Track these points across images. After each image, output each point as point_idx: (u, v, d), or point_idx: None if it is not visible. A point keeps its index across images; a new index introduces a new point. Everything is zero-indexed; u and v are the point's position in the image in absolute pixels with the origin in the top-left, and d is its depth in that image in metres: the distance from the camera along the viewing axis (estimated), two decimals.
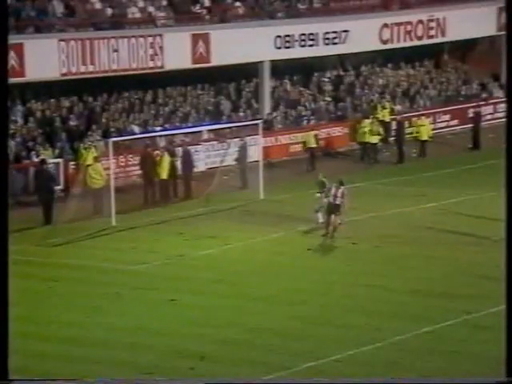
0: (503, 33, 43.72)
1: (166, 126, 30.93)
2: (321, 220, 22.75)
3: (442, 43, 39.29)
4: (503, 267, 9.02)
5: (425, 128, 32.84)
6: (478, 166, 30.77)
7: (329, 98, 35.34)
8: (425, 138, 32.51)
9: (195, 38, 31.79)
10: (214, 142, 30.88)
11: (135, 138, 29.10)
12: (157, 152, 27.53)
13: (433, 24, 37.35)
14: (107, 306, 18.05)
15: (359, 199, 26.68)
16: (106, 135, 28.55)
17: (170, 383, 13.35)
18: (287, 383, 12.91)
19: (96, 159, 26.20)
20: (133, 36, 30.54)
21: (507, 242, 9.11)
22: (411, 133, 33.40)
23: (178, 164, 27.66)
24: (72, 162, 28.00)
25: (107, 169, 25.31)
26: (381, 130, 32.15)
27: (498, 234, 22.11)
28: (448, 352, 15.29)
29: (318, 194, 22.98)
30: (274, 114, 33.75)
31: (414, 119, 34.02)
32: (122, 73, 30.33)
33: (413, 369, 14.69)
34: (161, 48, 30.83)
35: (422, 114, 34.65)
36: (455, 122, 36.26)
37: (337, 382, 13.22)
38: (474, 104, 36.09)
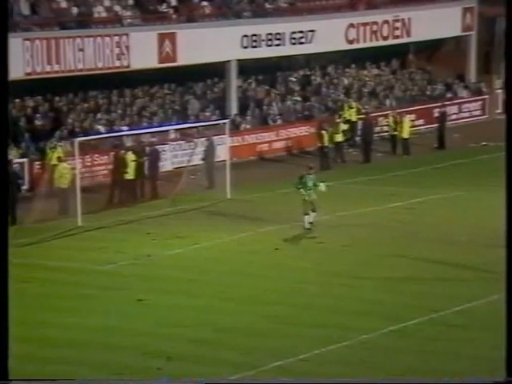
0: (468, 33, 44.22)
1: (133, 125, 30.80)
2: (307, 226, 22.57)
3: (408, 43, 39.56)
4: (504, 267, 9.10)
5: (406, 125, 33.01)
6: (444, 165, 31.02)
7: (296, 98, 35.43)
8: (406, 135, 32.65)
9: (162, 38, 31.70)
10: (181, 142, 30.83)
11: (101, 138, 28.96)
12: (123, 152, 27.41)
13: (398, 24, 37.59)
14: (76, 306, 17.94)
15: (328, 198, 26.79)
16: (71, 135, 28.37)
17: (170, 383, 13.33)
18: (287, 383, 12.91)
19: (61, 159, 26.03)
20: (99, 35, 30.37)
21: (507, 241, 9.12)
22: (381, 131, 33.68)
23: (145, 164, 27.56)
24: (37, 162, 27.80)
25: (73, 169, 25.16)
26: (344, 129, 32.27)
27: (465, 234, 22.35)
28: (415, 351, 15.37)
29: (302, 191, 22.80)
30: (242, 114, 33.76)
31: (386, 117, 34.28)
32: (88, 72, 30.15)
33: (381, 368, 14.75)
34: (127, 47, 30.69)
35: (389, 114, 34.86)
36: (421, 121, 36.52)
37: (337, 381, 13.24)
38: (440, 104, 36.37)
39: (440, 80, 39.34)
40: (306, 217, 22.55)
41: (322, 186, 22.74)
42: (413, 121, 35.17)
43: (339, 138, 31.75)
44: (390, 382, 12.59)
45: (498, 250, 21.09)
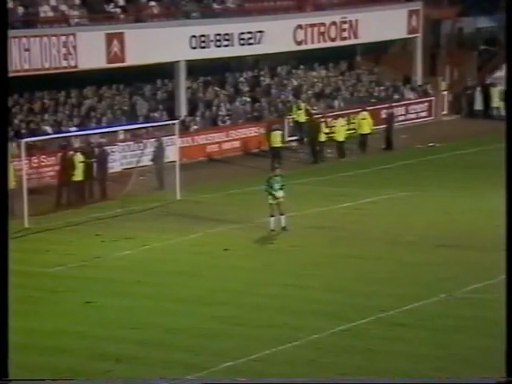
0: (414, 35, 44.68)
1: (81, 126, 30.55)
2: (272, 227, 22.46)
3: (355, 45, 39.88)
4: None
5: (341, 128, 33.27)
6: (392, 166, 31.34)
7: (246, 99, 35.49)
8: (341, 138, 32.91)
9: (109, 38, 31.50)
10: (130, 143, 30.67)
11: (49, 139, 28.67)
12: (71, 153, 27.17)
13: (346, 26, 37.87)
14: (23, 309, 17.72)
15: None
16: (18, 136, 28.03)
17: (170, 383, 13.26)
18: (287, 383, 12.91)
19: None
20: (45, 35, 30.06)
21: (507, 241, 9.21)
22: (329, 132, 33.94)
23: (94, 165, 27.36)
24: None
25: (19, 170, 24.86)
26: (284, 133, 32.48)
27: (413, 234, 22.60)
28: (364, 350, 15.50)
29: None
30: (191, 115, 33.71)
31: (330, 120, 34.49)
32: (34, 72, 29.83)
33: (330, 367, 14.85)
34: (74, 47, 30.43)
35: (337, 115, 35.12)
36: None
37: (337, 381, 13.27)
38: (387, 105, 36.72)
39: (387, 82, 39.74)
40: (272, 219, 22.35)
41: (280, 193, 22.42)
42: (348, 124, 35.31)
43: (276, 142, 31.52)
44: (390, 381, 12.66)
45: (445, 250, 21.51)
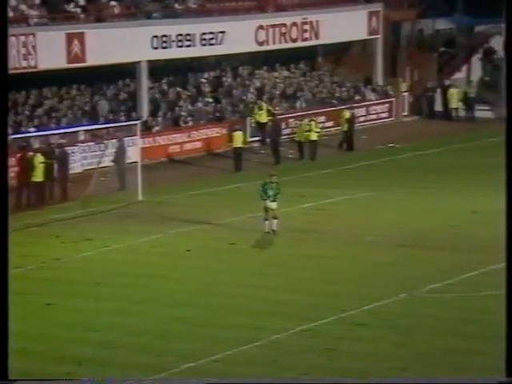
0: (374, 37, 44.93)
1: (41, 127, 30.31)
2: (267, 230, 22.26)
3: (317, 46, 40.05)
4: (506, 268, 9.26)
5: (303, 129, 33.35)
6: (353, 166, 31.53)
7: (208, 99, 35.47)
8: (314, 138, 32.97)
9: (70, 38, 31.30)
10: (91, 143, 30.50)
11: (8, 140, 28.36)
12: (31, 154, 26.95)
13: (307, 27, 38.02)
14: None
15: (239, 199, 26.92)
16: None
17: (170, 383, 13.15)
18: (288, 383, 12.88)
19: None
20: None
21: (507, 242, 9.27)
22: (291, 133, 34.05)
23: (54, 166, 27.16)
24: None
25: None
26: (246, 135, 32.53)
27: (374, 234, 22.75)
28: (325, 349, 15.57)
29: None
30: (153, 115, 33.60)
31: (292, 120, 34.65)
32: None
33: (292, 367, 14.90)
34: (34, 47, 30.18)
35: (299, 116, 35.26)
36: (330, 123, 37.01)
37: (337, 381, 13.28)
38: (348, 106, 36.92)
39: (348, 82, 39.96)
40: (266, 222, 22.15)
41: (274, 205, 22.06)
42: (322, 123, 35.57)
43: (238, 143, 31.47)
44: (390, 382, 12.68)
45: (405, 250, 21.69)
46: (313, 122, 33.24)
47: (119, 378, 14.16)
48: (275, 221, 22.17)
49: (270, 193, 22.10)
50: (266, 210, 22.16)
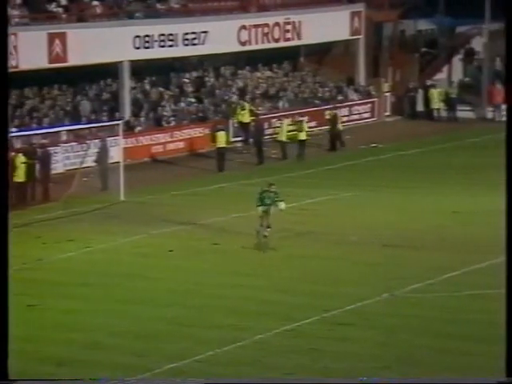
0: (356, 37, 44.97)
1: (23, 127, 30.18)
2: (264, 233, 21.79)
3: (299, 46, 40.09)
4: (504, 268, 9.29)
5: (284, 129, 33.39)
6: (336, 166, 31.58)
7: (190, 99, 35.44)
8: (283, 138, 33.04)
9: (51, 38, 31.18)
10: (74, 143, 30.40)
11: None
12: (13, 154, 26.82)
13: (289, 27, 38.05)
14: None
15: (222, 200, 26.91)
16: None
17: (170, 383, 13.11)
18: (288, 383, 12.85)
19: None
20: None
21: (507, 242, 9.30)
22: (274, 133, 34.08)
23: (36, 166, 27.06)
24: None
25: None
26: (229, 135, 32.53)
27: (357, 234, 22.81)
28: (308, 349, 15.59)
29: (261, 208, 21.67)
30: (136, 115, 33.54)
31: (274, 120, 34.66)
32: None
33: (275, 367, 14.91)
34: (15, 47, 30.03)
35: (281, 116, 35.30)
36: (313, 123, 37.06)
37: (337, 382, 13.26)
38: (331, 106, 36.99)
39: (331, 83, 40.03)
40: (261, 228, 21.76)
41: (282, 205, 21.73)
42: (305, 123, 35.55)
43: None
44: (390, 382, 12.69)
45: (387, 250, 21.75)
46: (302, 122, 33.31)
47: (112, 379, 14.14)
48: (268, 229, 21.69)
49: (268, 201, 21.74)
50: (261, 218, 21.74)
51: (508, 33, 9.05)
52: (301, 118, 33.85)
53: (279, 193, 21.94)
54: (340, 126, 34.48)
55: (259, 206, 21.75)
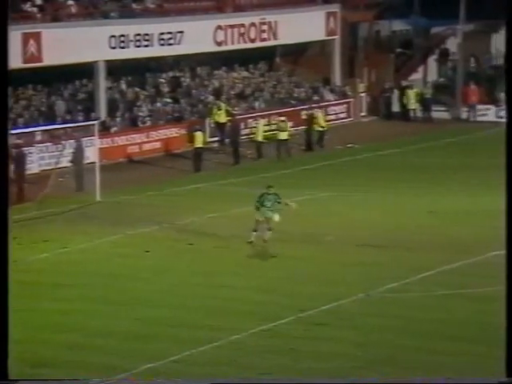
0: (332, 37, 45.00)
1: None
2: (251, 239, 21.55)
3: (275, 46, 40.14)
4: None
5: (260, 129, 33.42)
6: (313, 166, 31.66)
7: (166, 99, 35.38)
8: (284, 137, 33.00)
9: (26, 37, 31.02)
10: (49, 144, 30.25)
11: None
12: None
13: (265, 27, 38.09)
14: None
15: (198, 200, 26.89)
16: None
17: (170, 383, 13.03)
18: (289, 383, 12.81)
19: None
20: None
21: (507, 241, 9.29)
22: (250, 133, 34.11)
23: (11, 166, 26.89)
24: None
25: None
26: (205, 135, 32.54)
27: (333, 234, 22.86)
28: (284, 349, 15.62)
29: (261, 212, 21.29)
30: (111, 115, 33.43)
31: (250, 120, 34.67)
32: None
33: (251, 367, 14.93)
34: None
35: (258, 116, 35.32)
36: (290, 123, 37.11)
37: (337, 382, 13.23)
38: (307, 106, 37.07)
39: (307, 83, 40.11)
40: (254, 233, 21.46)
41: (276, 217, 21.35)
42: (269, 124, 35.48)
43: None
44: (391, 381, 12.69)
45: (364, 249, 21.82)
46: (284, 122, 33.33)
47: (71, 380, 14.09)
48: (268, 232, 21.42)
49: (268, 204, 21.35)
50: (258, 221, 21.42)
51: (508, 33, 9.09)
52: (282, 118, 33.88)
53: (279, 194, 21.66)
54: (324, 126, 34.42)
55: (259, 209, 21.25)
